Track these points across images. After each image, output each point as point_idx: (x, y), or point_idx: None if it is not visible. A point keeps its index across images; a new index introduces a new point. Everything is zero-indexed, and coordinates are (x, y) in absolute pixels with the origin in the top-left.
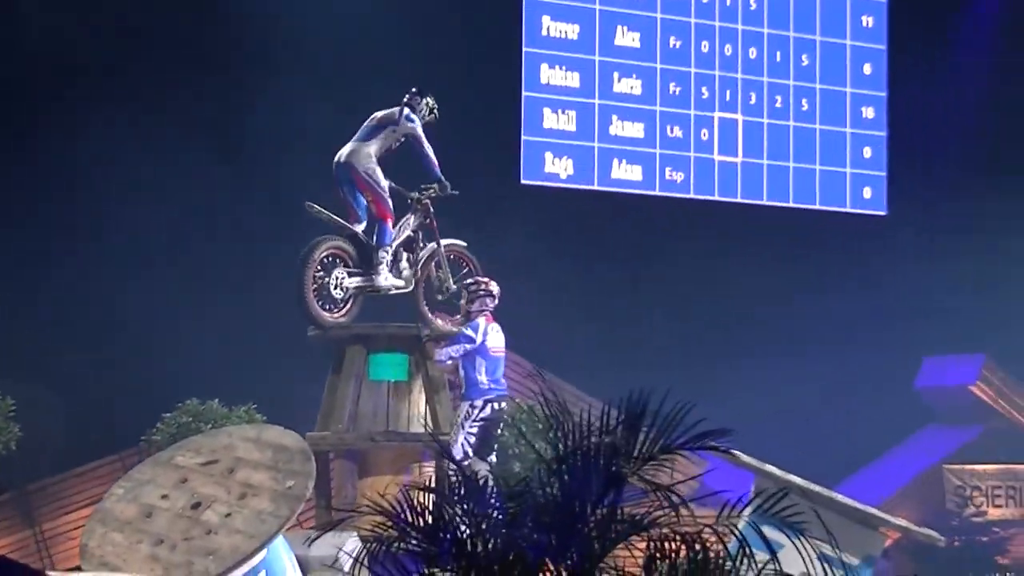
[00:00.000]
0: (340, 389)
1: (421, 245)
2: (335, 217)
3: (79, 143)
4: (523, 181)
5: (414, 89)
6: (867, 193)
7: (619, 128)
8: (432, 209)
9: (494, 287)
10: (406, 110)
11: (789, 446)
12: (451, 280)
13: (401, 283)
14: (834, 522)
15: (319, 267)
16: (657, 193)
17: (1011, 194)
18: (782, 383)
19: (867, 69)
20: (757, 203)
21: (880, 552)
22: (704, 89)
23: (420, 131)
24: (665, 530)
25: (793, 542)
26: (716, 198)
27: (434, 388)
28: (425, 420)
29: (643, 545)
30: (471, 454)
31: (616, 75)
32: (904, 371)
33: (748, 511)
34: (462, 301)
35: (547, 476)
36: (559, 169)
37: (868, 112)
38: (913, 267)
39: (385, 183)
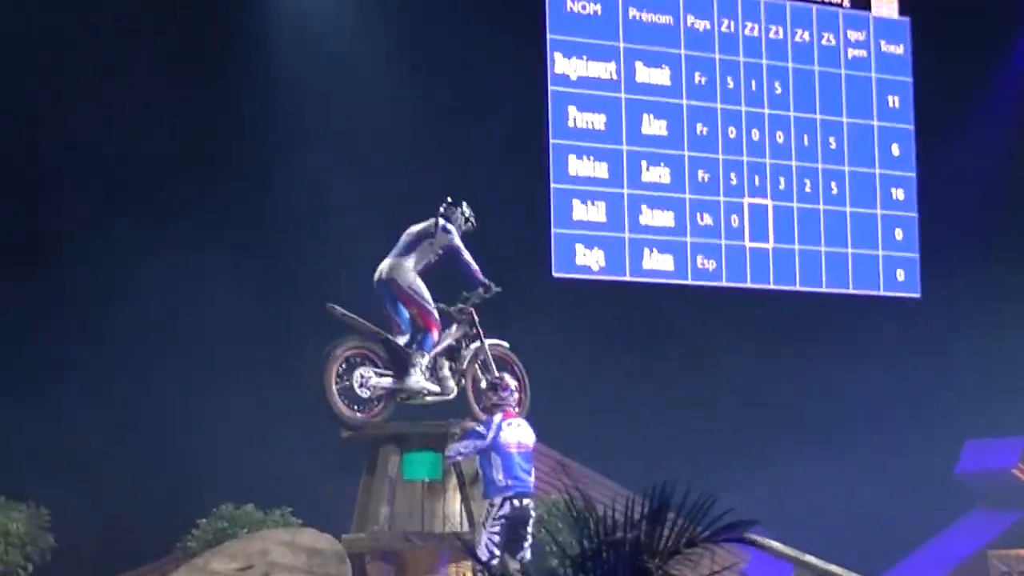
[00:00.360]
0: (375, 489)
1: (464, 354)
2: (359, 319)
3: (98, 240)
4: (555, 274)
5: (449, 200)
6: (900, 275)
7: (649, 217)
8: (476, 318)
9: (510, 381)
10: (442, 221)
11: (829, 534)
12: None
13: (437, 388)
14: None
15: (343, 364)
16: (690, 282)
17: None
18: (819, 469)
19: (895, 150)
20: (789, 289)
21: None
22: (732, 175)
23: (458, 241)
24: None
25: None
26: (748, 285)
27: (469, 485)
28: (460, 518)
29: None
30: (496, 553)
31: (644, 164)
32: (944, 454)
33: None
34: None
35: (573, 572)
36: (591, 261)
37: (898, 193)
38: (948, 347)
39: (429, 296)
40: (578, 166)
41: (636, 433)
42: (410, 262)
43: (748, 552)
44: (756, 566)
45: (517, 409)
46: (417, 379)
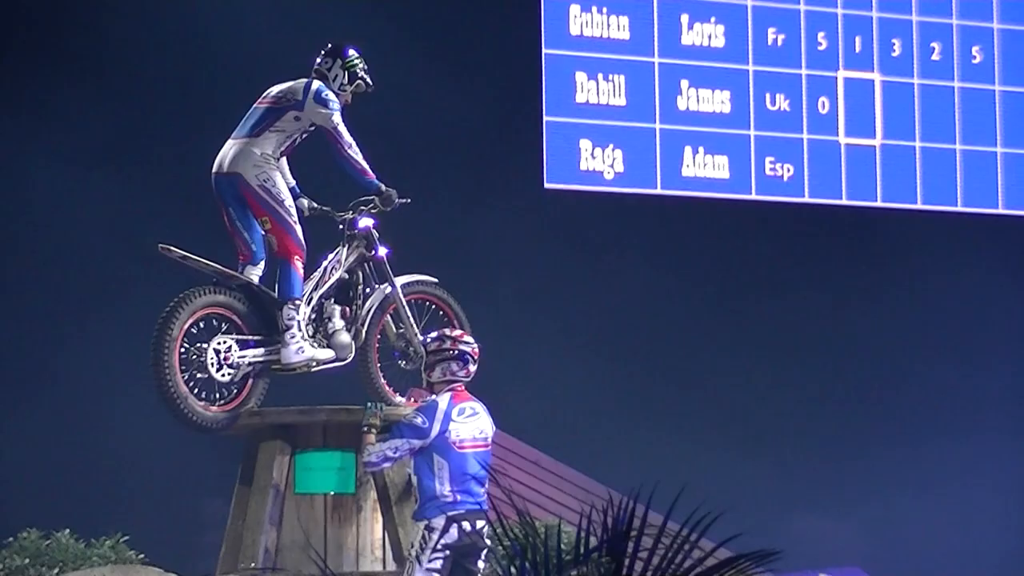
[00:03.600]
0: (252, 509)
1: (364, 291)
2: (206, 261)
3: None
4: (547, 184)
5: (327, 47)
6: None
7: (692, 99)
8: (376, 235)
9: (467, 345)
10: (316, 84)
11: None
12: (419, 336)
13: (329, 353)
14: None
15: (185, 341)
16: (753, 197)
17: None
18: (926, 487)
19: None
20: (907, 208)
21: None
22: (821, 36)
23: (338, 117)
24: None
25: None
26: (844, 202)
27: (396, 502)
28: (383, 552)
29: None
30: None
31: (685, 18)
32: None
33: None
34: (422, 368)
35: None
36: (602, 164)
37: None
38: None
39: (290, 200)
40: (584, 20)
41: (648, 426)
42: (263, 146)
43: None
44: None
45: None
46: (299, 345)
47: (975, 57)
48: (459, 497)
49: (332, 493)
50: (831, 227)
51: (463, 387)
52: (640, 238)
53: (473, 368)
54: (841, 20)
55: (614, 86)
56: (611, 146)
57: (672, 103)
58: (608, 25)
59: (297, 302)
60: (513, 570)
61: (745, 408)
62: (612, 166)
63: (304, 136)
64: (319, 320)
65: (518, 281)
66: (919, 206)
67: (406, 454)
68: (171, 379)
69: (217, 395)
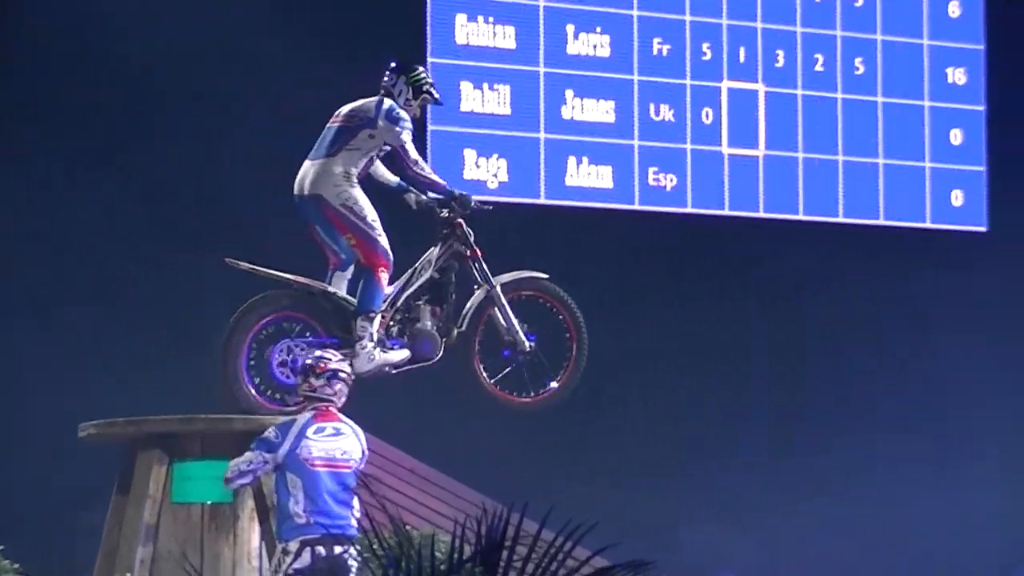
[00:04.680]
0: (129, 518)
1: (456, 290)
2: (278, 274)
3: None
4: (430, 193)
5: (393, 64)
6: (956, 199)
7: (577, 109)
8: (470, 232)
9: (335, 364)
10: (387, 102)
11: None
12: (523, 336)
13: (404, 354)
14: None
15: (253, 344)
16: (637, 207)
17: None
18: (855, 485)
19: (953, 10)
20: (789, 219)
21: None
22: (706, 47)
23: (407, 136)
24: None
25: None
26: (726, 212)
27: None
28: (260, 562)
29: None
30: None
31: (571, 28)
32: None
33: None
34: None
35: None
36: (485, 174)
37: (957, 76)
38: None
39: (373, 215)
40: (469, 30)
41: (524, 434)
42: (342, 165)
43: None
44: None
45: (334, 402)
46: (369, 355)
47: (858, 68)
48: (313, 520)
49: (209, 503)
50: (713, 237)
51: (332, 407)
52: (523, 247)
53: (340, 388)
54: (726, 31)
55: (499, 95)
56: (495, 155)
57: (557, 113)
58: (494, 34)
59: (372, 315)
60: None
61: (628, 416)
62: (496, 175)
63: (381, 154)
64: (406, 320)
65: None
66: (801, 216)
67: (261, 468)
68: (237, 383)
69: (281, 398)
